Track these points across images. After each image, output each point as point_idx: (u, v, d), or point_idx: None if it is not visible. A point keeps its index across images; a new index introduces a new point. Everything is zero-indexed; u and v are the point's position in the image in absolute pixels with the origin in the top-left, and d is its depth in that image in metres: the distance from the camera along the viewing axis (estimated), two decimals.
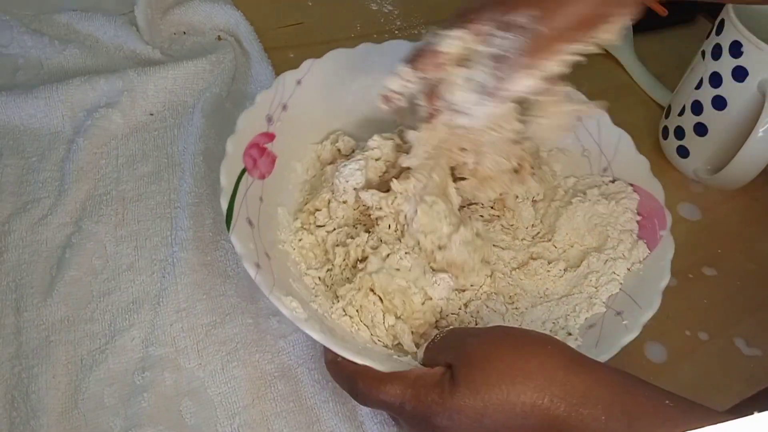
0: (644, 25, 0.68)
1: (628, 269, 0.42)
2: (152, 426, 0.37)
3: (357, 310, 0.39)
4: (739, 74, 0.48)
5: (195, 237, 0.45)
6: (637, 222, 0.44)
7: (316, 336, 0.34)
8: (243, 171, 0.41)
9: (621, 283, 0.41)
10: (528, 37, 0.34)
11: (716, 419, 0.26)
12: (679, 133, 0.54)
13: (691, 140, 0.53)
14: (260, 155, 0.43)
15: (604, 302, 0.41)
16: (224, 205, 0.38)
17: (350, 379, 0.34)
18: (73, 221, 0.46)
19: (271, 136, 0.44)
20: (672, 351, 0.45)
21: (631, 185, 0.45)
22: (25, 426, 0.36)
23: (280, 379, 0.40)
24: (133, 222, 0.46)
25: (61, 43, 0.56)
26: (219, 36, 0.60)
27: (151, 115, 0.53)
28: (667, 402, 0.27)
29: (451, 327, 0.34)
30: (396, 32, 0.63)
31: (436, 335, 0.34)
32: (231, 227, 0.37)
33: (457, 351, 0.31)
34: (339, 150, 0.47)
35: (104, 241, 0.45)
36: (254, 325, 0.42)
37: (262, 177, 0.43)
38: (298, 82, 0.46)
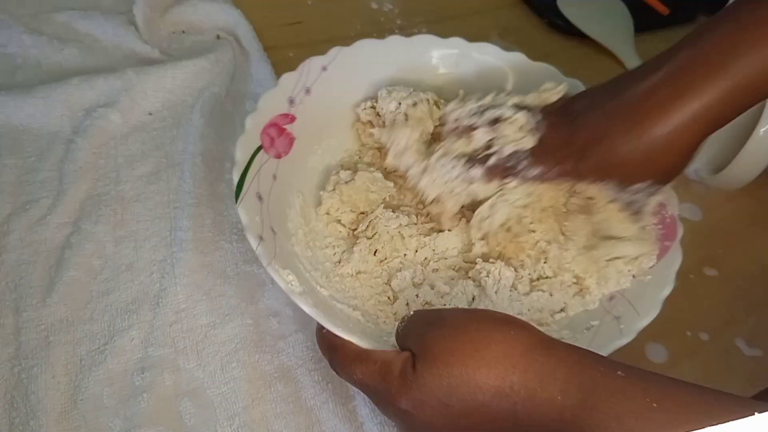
0: (645, 25, 0.68)
1: (634, 276, 0.42)
2: (152, 426, 0.37)
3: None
4: None
5: (194, 237, 0.45)
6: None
7: (308, 310, 0.34)
8: (259, 148, 0.42)
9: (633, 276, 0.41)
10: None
11: (672, 385, 0.27)
12: None
13: None
14: (279, 135, 0.43)
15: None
16: (236, 178, 0.39)
17: (330, 350, 0.35)
18: (72, 221, 0.45)
19: (291, 118, 0.45)
20: (673, 351, 0.45)
21: None
22: (24, 426, 0.36)
23: (280, 380, 0.40)
24: (132, 222, 0.46)
25: (59, 42, 0.55)
26: (218, 35, 0.60)
27: (150, 114, 0.53)
28: (619, 373, 0.28)
29: (414, 311, 0.34)
30: (396, 31, 0.63)
31: (404, 317, 0.34)
32: (239, 199, 0.38)
33: (419, 342, 0.32)
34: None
35: (103, 241, 0.45)
36: (254, 326, 0.42)
37: (279, 156, 0.43)
38: (324, 68, 0.47)
